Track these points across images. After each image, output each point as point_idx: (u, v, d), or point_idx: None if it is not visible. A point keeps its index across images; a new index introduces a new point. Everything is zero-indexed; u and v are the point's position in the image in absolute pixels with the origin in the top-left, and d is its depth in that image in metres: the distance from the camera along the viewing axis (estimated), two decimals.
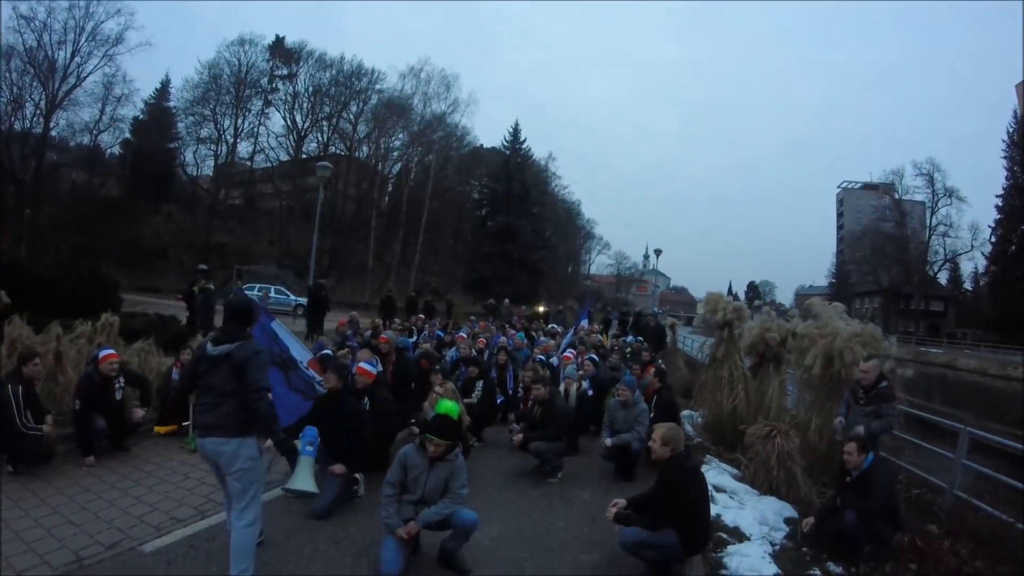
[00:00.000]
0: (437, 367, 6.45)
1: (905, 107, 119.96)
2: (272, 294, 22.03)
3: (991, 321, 41.63)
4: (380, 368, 5.78)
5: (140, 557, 3.25)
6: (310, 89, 43.02)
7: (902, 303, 49.07)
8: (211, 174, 43.89)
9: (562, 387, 6.70)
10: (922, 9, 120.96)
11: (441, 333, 10.31)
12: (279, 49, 42.62)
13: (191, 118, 40.83)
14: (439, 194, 45.15)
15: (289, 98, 42.86)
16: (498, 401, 6.79)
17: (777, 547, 3.91)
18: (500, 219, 43.28)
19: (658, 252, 30.51)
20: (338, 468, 4.10)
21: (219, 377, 2.86)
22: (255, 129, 43.08)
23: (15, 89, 31.70)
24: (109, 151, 40.00)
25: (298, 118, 43.30)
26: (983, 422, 11.02)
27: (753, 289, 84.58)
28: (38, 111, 32.97)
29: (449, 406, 3.49)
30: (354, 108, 43.50)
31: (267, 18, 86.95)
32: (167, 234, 38.65)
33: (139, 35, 46.20)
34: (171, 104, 41.81)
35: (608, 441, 5.36)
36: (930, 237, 47.49)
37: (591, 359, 7.61)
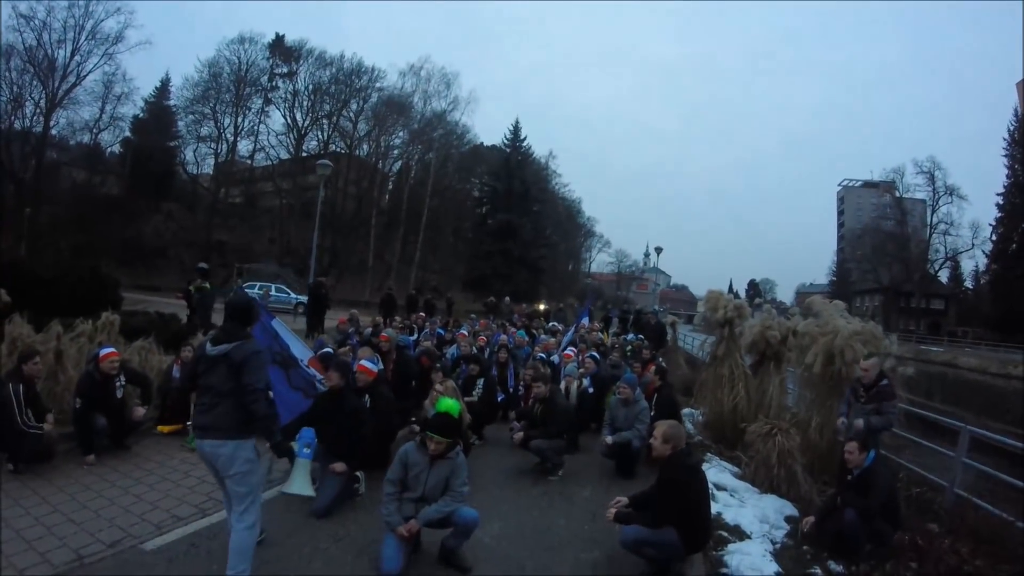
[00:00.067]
0: (438, 365, 6.45)
1: (906, 106, 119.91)
2: (273, 292, 22.08)
3: (992, 319, 41.60)
4: (381, 366, 5.78)
5: (141, 555, 3.25)
6: (310, 87, 43.07)
7: (903, 301, 49.01)
8: (211, 172, 43.97)
9: (563, 385, 6.69)
10: (922, 9, 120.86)
11: (442, 331, 10.30)
12: (279, 47, 42.56)
13: (191, 116, 40.93)
14: (439, 192, 45.14)
15: (289, 96, 42.90)
16: (499, 399, 6.79)
17: (778, 545, 3.91)
18: (500, 217, 43.32)
19: (659, 250, 30.43)
20: (339, 466, 4.09)
21: (217, 377, 2.83)
22: (255, 127, 43.20)
23: (15, 88, 31.75)
24: (109, 150, 40.08)
25: (298, 116, 43.39)
26: (983, 421, 11.01)
27: (754, 287, 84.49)
28: (38, 110, 33.02)
29: (450, 404, 3.49)
30: (354, 106, 43.49)
31: (267, 17, 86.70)
32: (167, 232, 38.65)
33: (139, 34, 45.84)
34: (171, 102, 41.82)
35: (609, 439, 5.36)
36: (931, 235, 47.49)
37: (592, 357, 7.61)
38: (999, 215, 42.86)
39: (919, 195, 48.20)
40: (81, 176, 37.12)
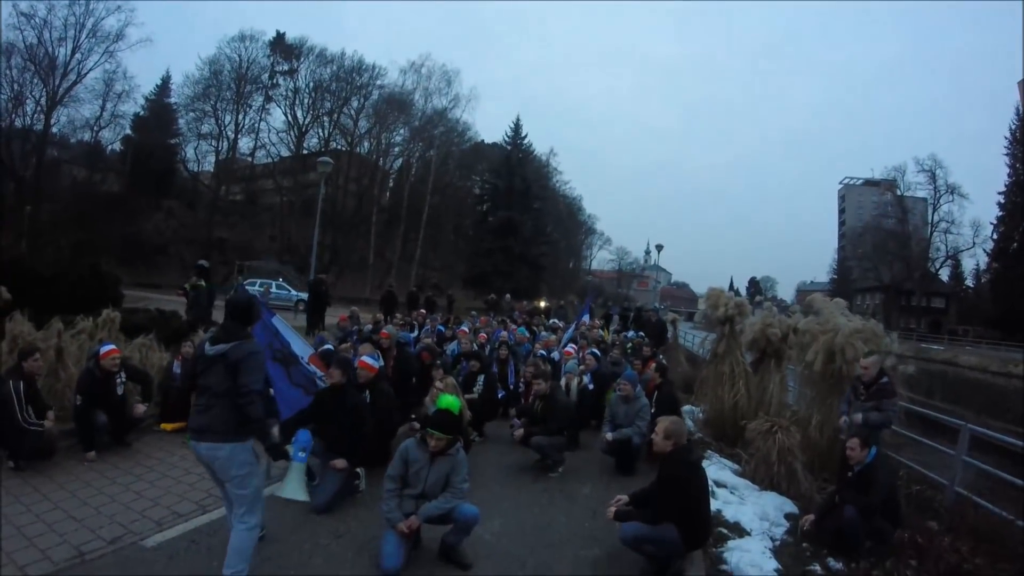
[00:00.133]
0: (438, 362, 6.45)
1: (906, 105, 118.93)
2: (273, 289, 22.10)
3: (992, 318, 41.48)
4: (382, 363, 5.78)
5: (141, 552, 3.25)
6: (311, 85, 42.91)
7: (903, 299, 48.93)
8: (212, 170, 43.85)
9: (563, 382, 6.69)
10: (922, 8, 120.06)
11: (442, 328, 10.30)
12: (280, 45, 42.42)
13: (192, 114, 40.78)
14: (440, 189, 45.06)
15: (290, 94, 42.75)
16: (499, 396, 6.78)
17: (777, 542, 3.91)
18: (501, 214, 43.28)
19: (659, 248, 30.69)
20: (339, 463, 4.09)
21: (214, 377, 2.76)
22: (256, 125, 43.02)
23: (16, 86, 31.61)
24: (110, 147, 39.89)
25: (299, 114, 43.23)
26: (984, 419, 11.01)
27: (754, 285, 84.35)
28: (39, 108, 32.90)
29: (450, 401, 3.49)
30: (355, 104, 43.36)
31: (268, 15, 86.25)
32: (168, 230, 38.60)
33: (139, 31, 45.80)
34: (172, 100, 41.68)
35: (609, 436, 5.36)
36: (932, 234, 47.28)
37: (592, 354, 7.60)
38: (1000, 214, 42.69)
39: (920, 193, 48.06)
40: (82, 174, 37.06)
